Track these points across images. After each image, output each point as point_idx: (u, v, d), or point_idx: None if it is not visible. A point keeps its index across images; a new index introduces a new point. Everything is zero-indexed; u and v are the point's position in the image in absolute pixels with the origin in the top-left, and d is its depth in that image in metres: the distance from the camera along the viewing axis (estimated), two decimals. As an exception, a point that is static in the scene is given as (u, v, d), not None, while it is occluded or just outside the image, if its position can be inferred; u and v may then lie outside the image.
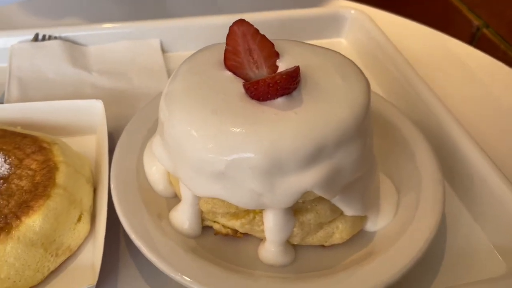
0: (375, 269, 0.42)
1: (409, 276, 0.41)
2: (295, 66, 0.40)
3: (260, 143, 0.37)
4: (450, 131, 0.55)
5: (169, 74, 0.68)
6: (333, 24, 0.78)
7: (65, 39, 0.68)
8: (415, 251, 0.42)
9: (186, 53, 0.47)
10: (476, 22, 0.94)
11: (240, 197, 0.40)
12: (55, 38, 0.68)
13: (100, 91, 0.63)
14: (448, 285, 0.45)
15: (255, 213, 0.43)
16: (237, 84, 0.41)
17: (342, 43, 0.79)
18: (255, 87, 0.39)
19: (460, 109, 0.63)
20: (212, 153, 0.38)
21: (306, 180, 0.38)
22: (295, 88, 0.40)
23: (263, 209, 0.42)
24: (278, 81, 0.38)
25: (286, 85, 0.38)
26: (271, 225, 0.42)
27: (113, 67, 0.67)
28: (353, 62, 0.45)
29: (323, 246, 0.45)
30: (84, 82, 0.64)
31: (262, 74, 0.42)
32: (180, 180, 0.43)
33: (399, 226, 0.46)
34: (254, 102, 0.39)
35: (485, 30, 0.92)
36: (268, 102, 0.39)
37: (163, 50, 0.72)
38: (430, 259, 0.47)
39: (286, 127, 0.38)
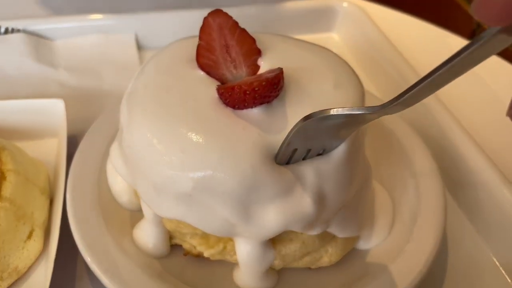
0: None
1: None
2: (278, 68, 0.33)
3: (237, 165, 0.31)
4: (451, 134, 0.50)
5: (144, 71, 0.62)
6: (324, 17, 0.72)
7: (30, 33, 0.62)
8: (414, 274, 0.37)
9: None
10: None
11: (209, 224, 0.34)
12: (19, 31, 0.62)
13: (66, 90, 0.57)
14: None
15: (226, 242, 0.37)
16: (210, 87, 0.35)
17: (333, 38, 0.73)
18: (229, 93, 0.33)
19: (460, 109, 0.58)
20: (177, 171, 0.32)
21: (289, 211, 0.33)
22: (276, 96, 0.33)
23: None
24: (256, 89, 0.32)
25: (266, 93, 0.32)
26: (245, 259, 0.36)
27: (82, 63, 0.61)
28: (346, 63, 0.39)
29: (309, 268, 0.40)
30: (49, 79, 0.58)
31: (241, 75, 0.36)
32: (139, 196, 0.37)
33: (395, 243, 0.41)
34: (229, 110, 0.33)
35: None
36: (245, 111, 0.33)
37: (139, 46, 0.66)
38: (430, 278, 0.42)
39: None
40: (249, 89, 0.32)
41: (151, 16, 0.66)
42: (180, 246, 0.40)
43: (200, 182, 0.32)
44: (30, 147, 0.47)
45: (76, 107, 0.53)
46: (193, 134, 0.32)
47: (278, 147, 0.32)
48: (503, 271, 0.43)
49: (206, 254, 0.38)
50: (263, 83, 0.32)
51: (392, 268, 0.38)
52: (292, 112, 0.33)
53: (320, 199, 0.33)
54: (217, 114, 0.33)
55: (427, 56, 0.68)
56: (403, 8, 0.77)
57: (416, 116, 0.55)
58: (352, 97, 0.35)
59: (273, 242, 0.37)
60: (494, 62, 0.68)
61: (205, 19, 0.35)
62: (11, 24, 0.62)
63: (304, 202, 0.32)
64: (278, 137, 0.32)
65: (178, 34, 0.62)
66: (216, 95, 0.34)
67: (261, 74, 0.34)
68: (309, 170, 0.32)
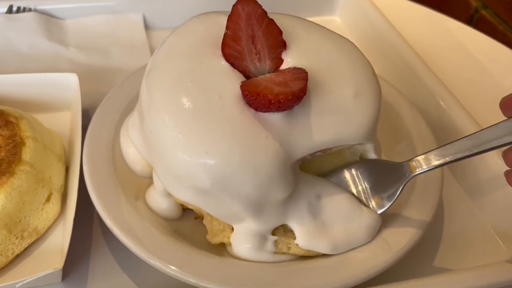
0: (368, 253, 0.39)
1: (404, 261, 0.38)
2: (302, 73, 0.34)
3: (256, 174, 0.34)
4: (450, 112, 0.52)
5: (151, 51, 0.64)
6: (326, 0, 0.74)
7: (41, 12, 0.64)
8: (410, 235, 0.39)
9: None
10: (474, 3, 0.91)
11: (222, 214, 0.37)
12: (30, 10, 0.63)
13: (77, 67, 0.59)
14: (446, 270, 0.42)
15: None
16: (235, 82, 0.35)
17: (335, 21, 0.75)
18: (254, 97, 0.33)
19: (458, 91, 0.60)
20: (199, 169, 0.34)
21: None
22: (298, 104, 0.35)
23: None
24: (281, 100, 0.33)
25: (290, 104, 0.34)
26: (241, 250, 0.38)
27: (92, 42, 0.63)
28: (368, 63, 0.40)
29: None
30: (60, 57, 0.60)
31: (264, 68, 0.37)
32: (154, 171, 0.40)
33: (393, 207, 0.43)
34: (251, 110, 0.35)
35: (483, 12, 0.89)
36: (267, 114, 0.35)
37: (146, 27, 0.68)
38: (427, 244, 0.44)
39: None
40: (275, 99, 0.33)
41: (158, -2, 0.68)
42: (191, 210, 0.42)
43: (219, 183, 0.34)
44: (44, 119, 0.49)
45: (86, 83, 0.54)
46: (218, 137, 0.33)
47: (297, 157, 0.36)
48: (495, 235, 0.46)
49: (210, 241, 0.40)
50: (289, 96, 0.33)
51: (389, 231, 0.40)
52: (312, 122, 0.35)
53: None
54: (241, 116, 0.34)
55: (426, 39, 0.70)
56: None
57: (416, 96, 0.57)
58: (370, 109, 0.37)
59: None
60: (493, 47, 0.70)
61: (234, 7, 0.36)
62: (22, 3, 0.64)
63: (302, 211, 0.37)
64: (297, 149, 0.35)
65: (184, 15, 0.64)
66: (239, 90, 0.35)
67: (286, 82, 0.34)
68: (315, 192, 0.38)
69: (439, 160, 0.36)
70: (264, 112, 0.34)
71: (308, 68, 0.35)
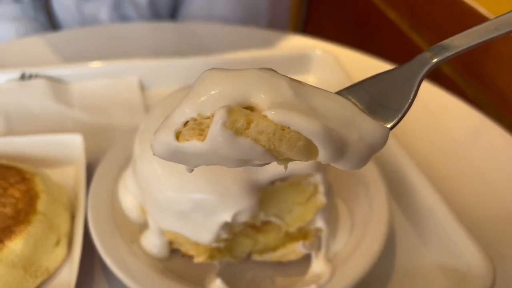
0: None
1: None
2: None
3: (224, 196, 0.42)
4: (401, 166, 0.60)
5: (146, 110, 0.73)
6: (301, 62, 0.84)
7: (49, 78, 0.73)
8: (358, 272, 0.46)
9: (166, 90, 0.53)
10: (435, 59, 1.01)
11: (200, 236, 0.45)
12: (40, 76, 0.73)
13: (81, 126, 0.68)
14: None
15: (212, 250, 0.47)
16: None
17: (310, 79, 0.85)
18: None
19: (415, 144, 0.68)
20: (177, 194, 0.43)
21: None
22: None
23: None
24: None
25: None
26: None
27: (94, 103, 0.72)
28: None
29: (280, 263, 0.50)
30: (66, 117, 0.69)
31: None
32: (147, 212, 0.48)
33: (351, 247, 0.50)
34: None
35: (444, 68, 1.00)
36: None
37: (143, 88, 0.77)
38: (379, 277, 0.51)
39: None
40: None
41: (152, 63, 0.77)
42: (179, 249, 0.50)
43: (194, 204, 0.42)
44: (53, 173, 0.57)
45: (89, 139, 0.63)
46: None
47: (260, 183, 0.43)
48: (438, 269, 0.53)
49: (196, 261, 0.47)
50: None
51: (343, 268, 0.48)
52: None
53: None
54: None
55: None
56: (371, 50, 0.89)
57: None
58: None
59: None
60: (451, 103, 0.79)
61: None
62: (34, 71, 0.73)
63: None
64: (260, 176, 0.43)
65: (176, 78, 0.73)
66: None
67: None
68: None
69: (462, 42, 0.31)
70: None
71: None
